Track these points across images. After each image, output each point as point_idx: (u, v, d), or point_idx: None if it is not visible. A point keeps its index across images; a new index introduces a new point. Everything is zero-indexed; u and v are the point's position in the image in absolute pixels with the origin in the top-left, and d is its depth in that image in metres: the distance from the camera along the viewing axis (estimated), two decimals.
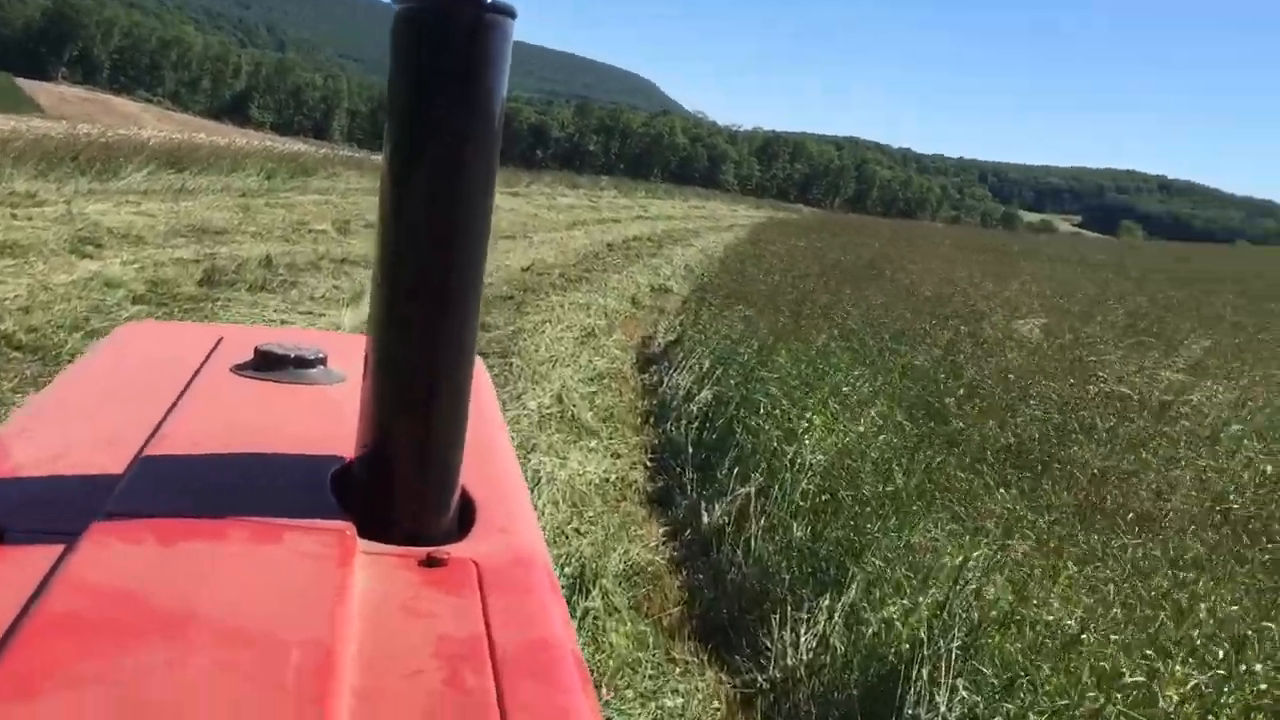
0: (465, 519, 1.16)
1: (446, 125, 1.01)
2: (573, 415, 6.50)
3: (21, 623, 0.83)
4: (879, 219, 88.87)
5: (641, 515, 5.35)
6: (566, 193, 36.50)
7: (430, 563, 1.04)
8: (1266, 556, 4.46)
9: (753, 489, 4.98)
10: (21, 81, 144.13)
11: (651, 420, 6.96)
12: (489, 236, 1.07)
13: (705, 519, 5.04)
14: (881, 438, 5.56)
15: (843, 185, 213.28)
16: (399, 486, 1.11)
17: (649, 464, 6.14)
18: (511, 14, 1.01)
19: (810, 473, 4.97)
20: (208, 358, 1.64)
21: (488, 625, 0.96)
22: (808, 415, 5.71)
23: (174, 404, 1.40)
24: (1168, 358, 9.80)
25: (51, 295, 8.28)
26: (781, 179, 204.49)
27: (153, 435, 1.26)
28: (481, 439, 1.36)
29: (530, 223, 23.03)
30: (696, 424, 6.37)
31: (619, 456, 6.10)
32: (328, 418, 1.34)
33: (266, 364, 1.54)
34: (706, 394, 6.82)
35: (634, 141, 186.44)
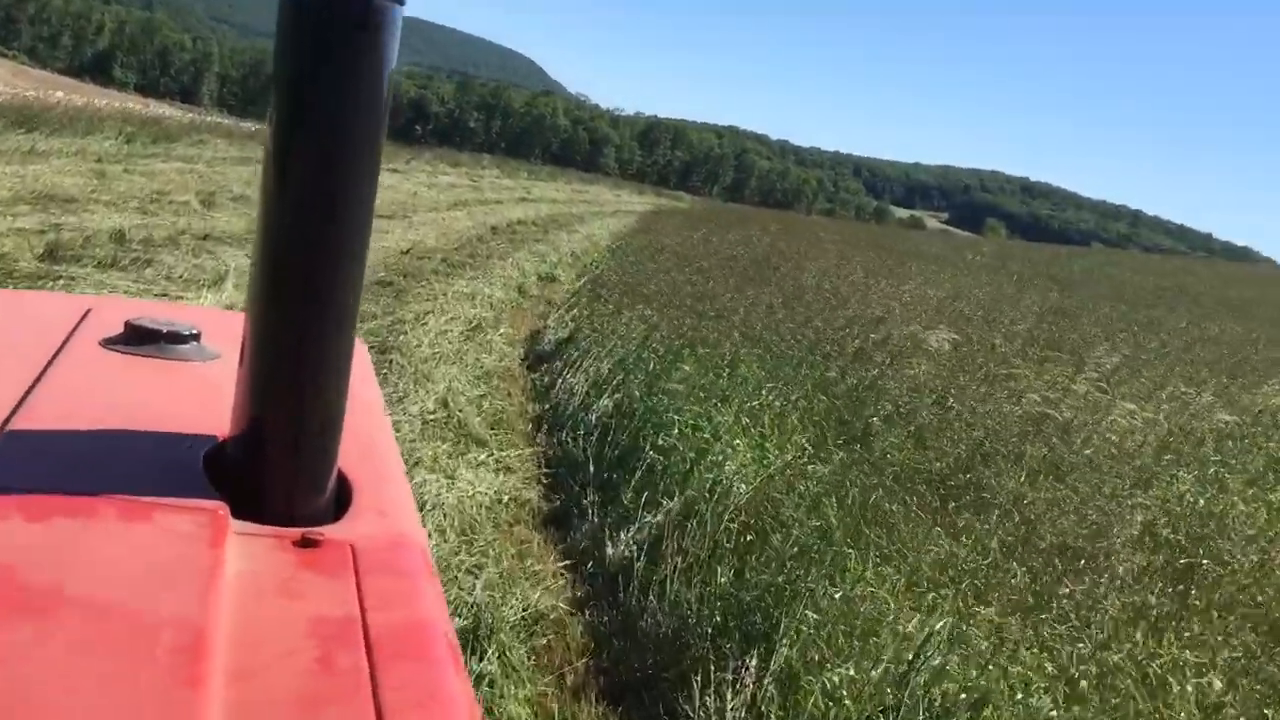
0: (342, 501, 1.14)
1: (332, 110, 0.98)
2: (460, 422, 5.90)
3: None
4: (763, 210, 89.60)
5: (538, 542, 4.79)
6: (448, 170, 35.44)
7: (305, 544, 1.04)
8: (1234, 615, 4.17)
9: (665, 518, 4.48)
10: None
11: (544, 428, 6.37)
12: (372, 218, 1.06)
13: (610, 549, 4.52)
14: (808, 465, 5.12)
15: (722, 173, 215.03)
16: (273, 467, 1.09)
17: (544, 480, 5.58)
18: (400, 1, 1.00)
19: (732, 504, 4.49)
20: (74, 330, 1.56)
21: (362, 607, 0.95)
22: (724, 435, 5.24)
23: (38, 377, 1.34)
24: (1080, 371, 9.68)
25: None
26: (662, 165, 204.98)
27: (16, 409, 1.22)
28: (359, 421, 1.30)
29: (410, 202, 22.09)
30: (596, 436, 5.81)
31: (511, 471, 5.51)
32: (201, 396, 1.31)
33: (138, 338, 1.49)
34: (606, 402, 6.26)
35: (515, 121, 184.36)
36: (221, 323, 1.59)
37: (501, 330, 8.90)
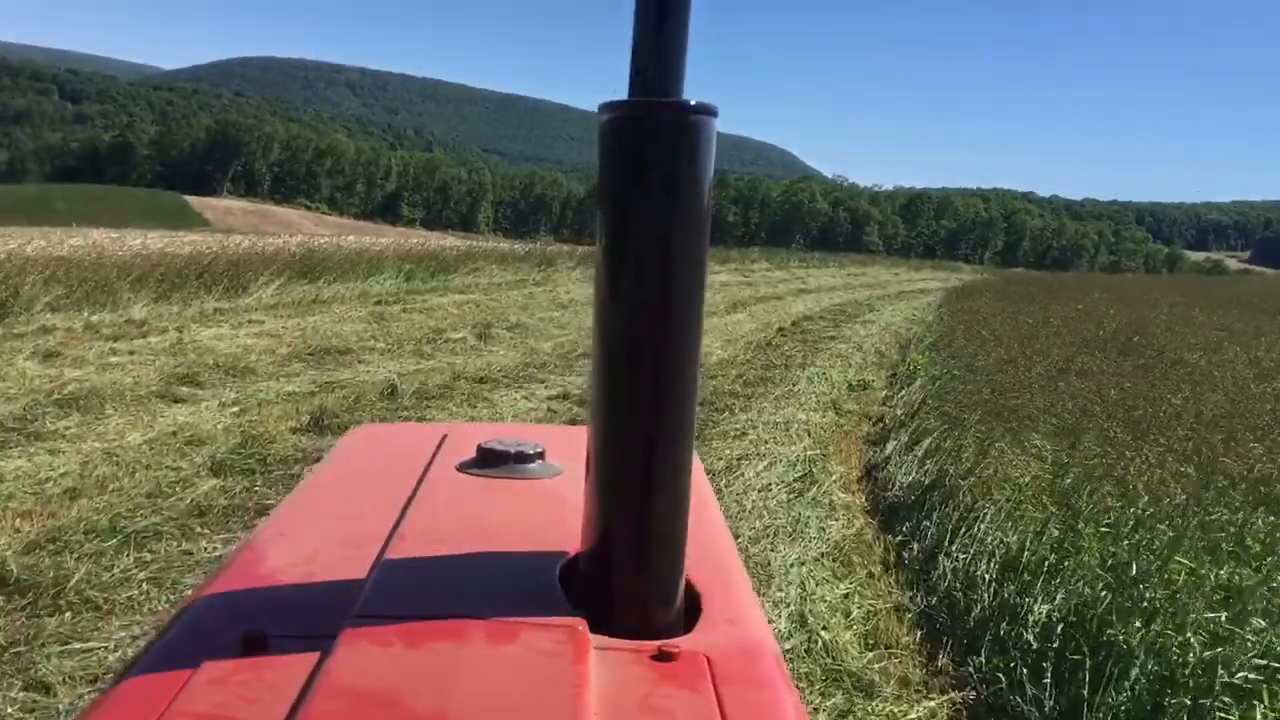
0: (692, 611, 1.16)
1: (656, 223, 1.03)
2: (828, 649, 4.08)
3: None
4: (1055, 274, 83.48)
5: None
6: (717, 268, 34.38)
7: (662, 657, 1.04)
8: None
9: None
10: (191, 199, 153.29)
11: (947, 646, 4.32)
12: (702, 326, 1.08)
13: None
14: None
15: (992, 238, 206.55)
16: (625, 580, 1.10)
17: None
18: (713, 113, 1.03)
19: None
20: (434, 457, 1.71)
21: (724, 718, 0.95)
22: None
23: (407, 504, 1.47)
24: None
25: (112, 468, 6.41)
26: (928, 236, 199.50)
27: (391, 536, 1.33)
28: (700, 529, 1.31)
29: None
30: (1048, 665, 3.72)
31: None
32: (550, 512, 1.40)
33: (488, 460, 1.60)
34: (1042, 607, 4.08)
35: (774, 209, 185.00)
36: (564, 439, 1.62)
37: (834, 473, 7.08)
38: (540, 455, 1.61)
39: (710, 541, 1.42)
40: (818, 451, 7.59)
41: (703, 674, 1.02)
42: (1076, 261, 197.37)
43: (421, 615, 1.08)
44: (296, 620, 1.11)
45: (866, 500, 6.74)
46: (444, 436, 1.84)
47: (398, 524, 1.37)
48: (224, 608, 1.18)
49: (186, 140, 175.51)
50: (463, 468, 1.61)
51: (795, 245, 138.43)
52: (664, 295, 1.03)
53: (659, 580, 1.10)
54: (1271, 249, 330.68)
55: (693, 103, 1.03)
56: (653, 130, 1.03)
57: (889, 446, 7.69)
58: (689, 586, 1.16)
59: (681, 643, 1.07)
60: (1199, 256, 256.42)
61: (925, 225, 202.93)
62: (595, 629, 1.07)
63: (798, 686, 3.75)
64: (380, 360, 11.54)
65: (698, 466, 1.75)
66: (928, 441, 7.07)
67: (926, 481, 6.35)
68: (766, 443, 7.76)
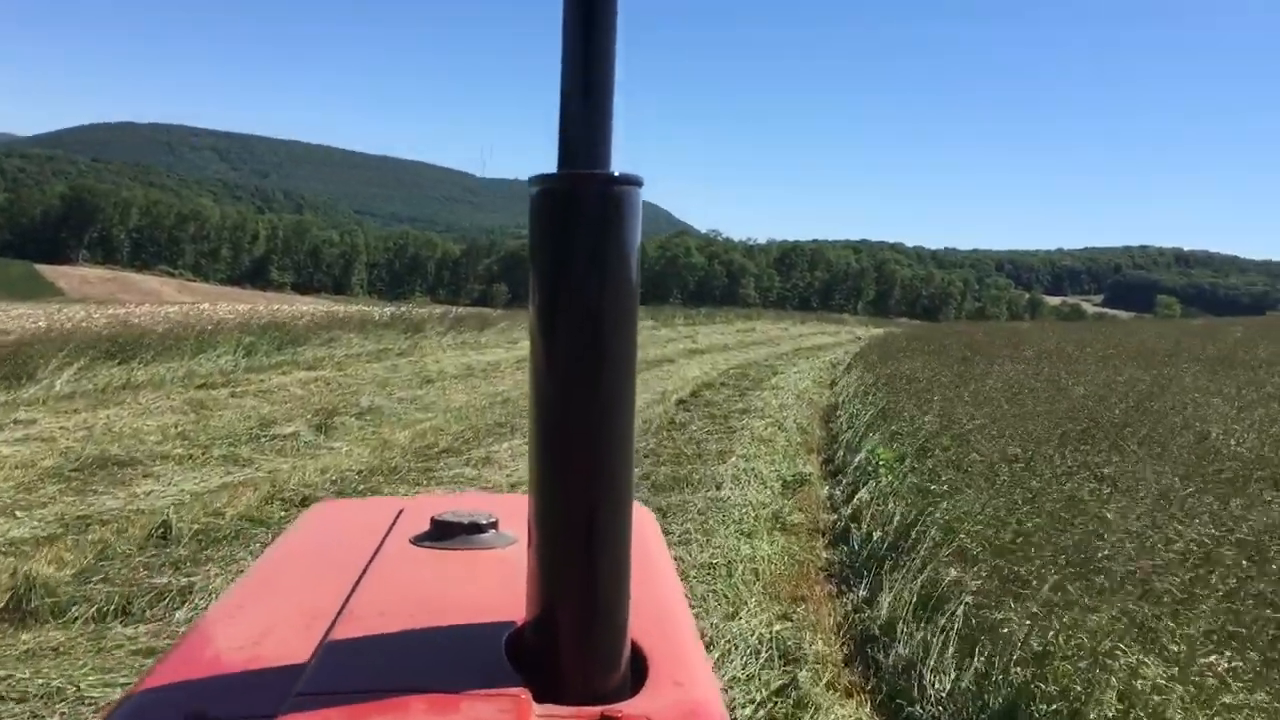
0: (638, 674, 1.16)
1: (585, 293, 1.04)
2: None
3: None
4: (949, 325, 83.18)
5: None
6: None
7: None
8: None
9: None
10: (42, 268, 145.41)
11: None
12: (634, 394, 1.09)
13: None
14: None
15: (864, 288, 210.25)
16: (568, 646, 1.11)
17: None
18: (638, 183, 1.06)
19: None
20: (389, 531, 1.72)
21: None
22: None
23: (358, 580, 1.46)
24: None
25: None
26: (803, 287, 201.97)
27: (340, 613, 1.32)
28: (650, 588, 1.36)
29: None
30: None
31: None
32: (500, 582, 1.39)
33: (442, 533, 1.61)
34: None
35: (650, 265, 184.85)
36: (520, 508, 1.43)
37: (811, 662, 4.64)
38: (494, 525, 1.63)
39: (659, 602, 1.42)
40: (784, 624, 5.14)
41: None
42: (944, 309, 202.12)
43: (364, 691, 1.08)
44: (240, 701, 1.10)
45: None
46: (400, 510, 1.87)
47: (347, 600, 1.38)
48: (167, 692, 1.17)
49: (38, 207, 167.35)
50: (416, 541, 1.62)
51: (674, 300, 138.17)
52: (596, 364, 1.05)
53: (602, 645, 1.10)
54: (1122, 292, 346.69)
55: (618, 174, 1.05)
56: (579, 202, 1.05)
57: (881, 604, 5.33)
58: (635, 649, 1.18)
59: (625, 707, 1.08)
60: (1056, 301, 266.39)
61: (800, 277, 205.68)
62: (541, 697, 1.07)
63: None
64: (176, 473, 8.78)
65: (652, 523, 1.98)
66: (958, 610, 4.66)
67: (997, 703, 3.88)
68: (702, 612, 5.31)
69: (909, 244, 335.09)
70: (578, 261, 1.04)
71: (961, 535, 5.63)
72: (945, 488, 6.79)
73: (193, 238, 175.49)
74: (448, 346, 24.31)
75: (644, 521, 1.72)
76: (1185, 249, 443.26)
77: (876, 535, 6.45)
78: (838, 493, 8.71)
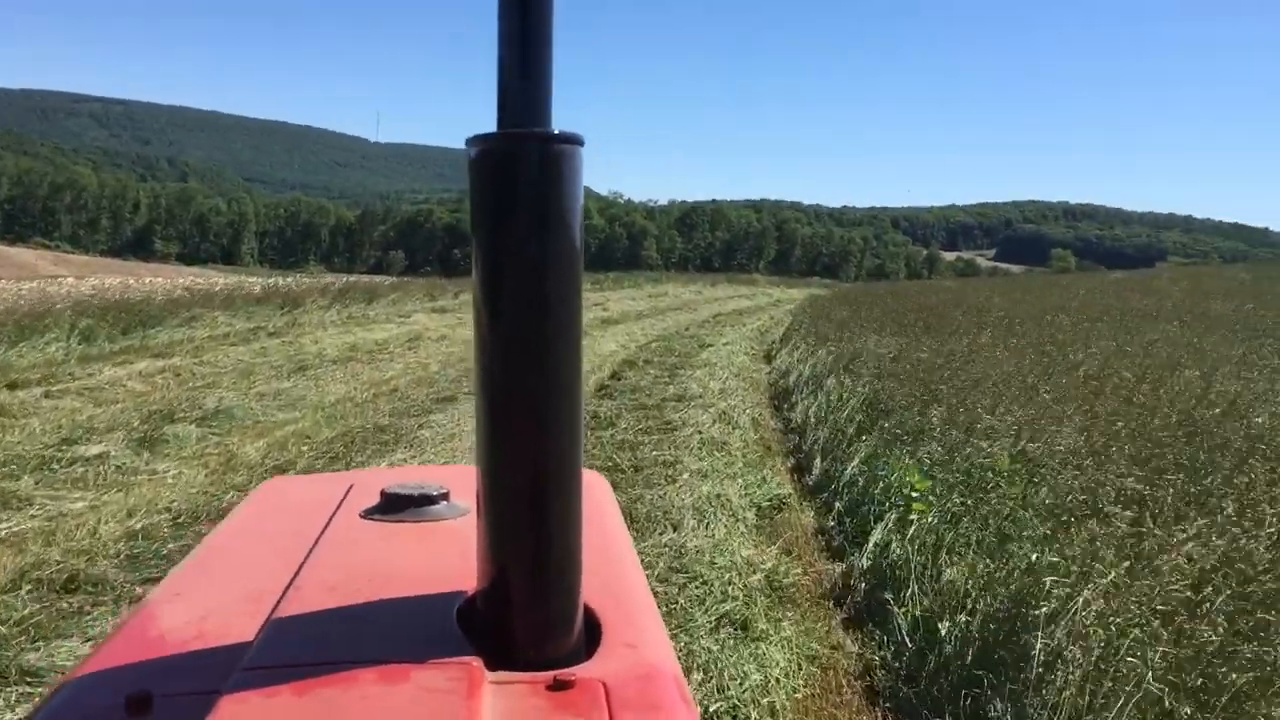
0: (591, 638, 1.15)
1: (528, 255, 1.02)
2: None
3: None
4: (877, 284, 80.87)
5: None
6: None
7: (558, 686, 1.04)
8: None
9: None
10: None
11: None
12: (581, 356, 1.07)
13: None
14: None
15: (765, 247, 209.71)
16: (519, 613, 1.09)
17: None
18: (579, 142, 1.03)
19: None
20: (339, 506, 1.69)
21: None
22: None
23: (307, 555, 1.43)
24: None
25: None
26: (704, 248, 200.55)
27: (288, 588, 1.30)
28: (603, 553, 1.35)
29: (468, 359, 16.12)
30: None
31: None
32: (451, 553, 1.36)
33: (392, 506, 1.59)
34: None
35: None
36: (471, 478, 1.37)
37: None
38: (444, 497, 1.59)
39: (613, 565, 1.39)
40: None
41: (599, 701, 1.01)
42: (845, 266, 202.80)
43: (313, 664, 1.04)
44: (185, 679, 1.07)
45: None
46: (350, 486, 1.81)
47: (295, 576, 1.33)
48: (108, 675, 1.13)
49: None
50: (366, 514, 1.58)
51: None
52: (541, 326, 1.03)
53: (554, 611, 1.08)
54: (1014, 246, 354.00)
55: (559, 132, 1.02)
56: (520, 162, 1.02)
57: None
58: (589, 613, 1.16)
59: (579, 671, 1.06)
60: (951, 256, 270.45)
61: (701, 237, 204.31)
62: (494, 664, 1.05)
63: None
64: None
65: (603, 486, 1.93)
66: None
67: None
68: None
69: (807, 203, 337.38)
70: (520, 223, 1.01)
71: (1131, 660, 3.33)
72: (1041, 555, 4.48)
73: (69, 208, 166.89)
74: (330, 323, 21.51)
75: (595, 486, 1.70)
76: (1072, 203, 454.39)
77: (939, 628, 4.18)
78: (830, 524, 6.48)
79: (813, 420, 9.07)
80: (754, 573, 5.24)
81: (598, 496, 1.69)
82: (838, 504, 6.69)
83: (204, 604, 1.31)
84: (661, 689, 1.05)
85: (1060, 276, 54.18)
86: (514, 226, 1.01)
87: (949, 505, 5.31)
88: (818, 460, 7.93)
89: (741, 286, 48.97)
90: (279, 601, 1.24)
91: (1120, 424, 6.78)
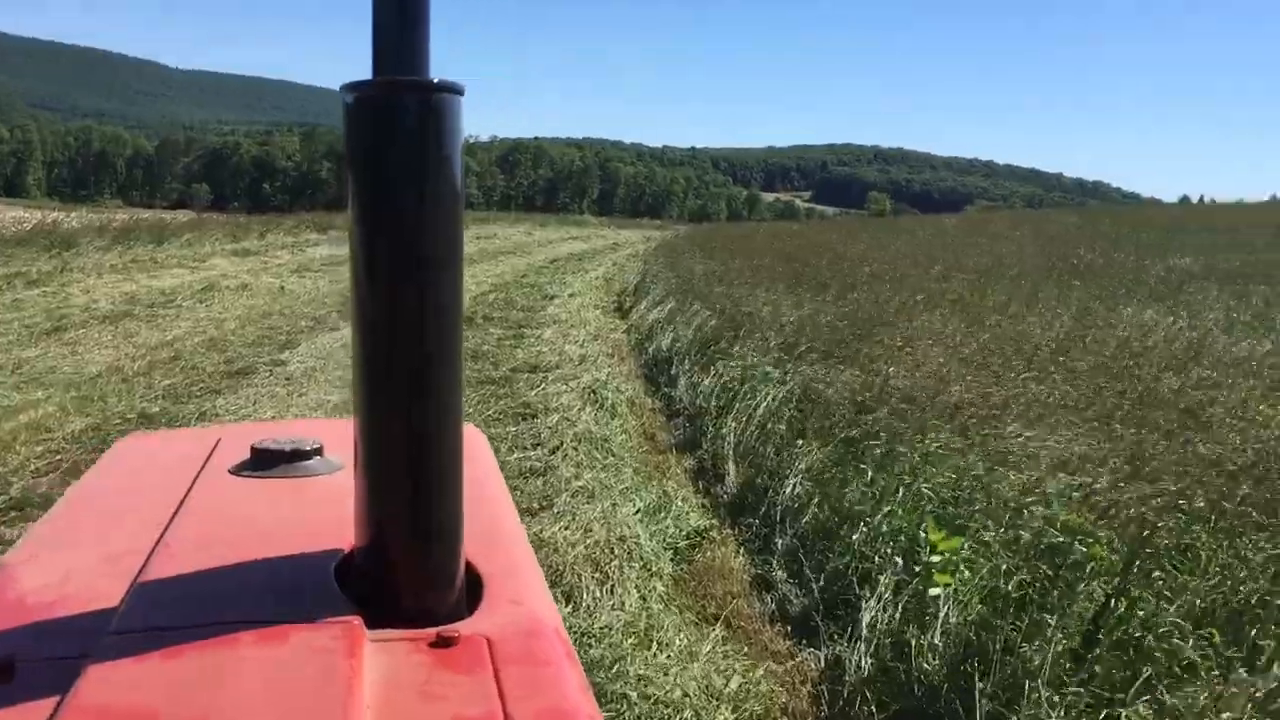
0: (473, 594, 1.11)
1: (406, 206, 0.98)
2: None
3: None
4: (735, 224, 78.87)
5: None
6: (316, 239, 26.72)
7: (440, 643, 1.01)
8: None
9: None
10: None
11: None
12: (462, 307, 1.03)
13: None
14: None
15: (588, 187, 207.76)
16: (400, 569, 1.06)
17: None
18: (459, 91, 0.99)
19: None
20: (205, 463, 1.61)
21: (503, 700, 0.92)
22: None
23: (174, 514, 1.36)
24: None
25: None
26: (527, 186, 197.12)
27: (155, 549, 1.23)
28: (483, 509, 1.31)
29: (277, 308, 13.62)
30: None
31: None
32: (327, 509, 1.30)
33: (263, 462, 1.50)
34: None
35: None
36: (346, 432, 1.30)
37: None
38: (318, 451, 1.50)
39: (493, 520, 1.36)
40: None
41: (482, 657, 0.99)
42: (668, 206, 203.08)
43: (185, 627, 1.00)
44: (47, 644, 1.02)
45: None
46: (218, 440, 1.71)
47: (162, 536, 1.27)
48: None
49: None
50: (236, 471, 1.50)
51: None
52: (419, 277, 0.98)
53: (435, 567, 1.05)
54: (828, 189, 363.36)
55: (438, 81, 0.98)
56: (397, 111, 0.97)
57: None
58: (470, 569, 1.12)
59: (461, 627, 1.03)
60: (771, 197, 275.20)
61: (524, 175, 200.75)
62: (375, 623, 1.01)
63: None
64: None
65: (481, 441, 1.83)
66: None
67: None
68: None
69: (628, 141, 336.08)
70: (397, 173, 0.97)
71: None
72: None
73: None
74: (110, 267, 18.34)
75: (473, 440, 1.59)
76: (883, 146, 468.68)
77: None
78: (777, 573, 4.68)
79: (712, 407, 7.23)
80: (718, 709, 3.35)
81: (475, 451, 1.54)
82: (779, 541, 4.89)
83: (64, 565, 1.22)
84: (545, 643, 1.03)
85: (896, 220, 53.96)
86: (392, 177, 0.97)
87: (997, 582, 3.54)
88: (730, 465, 6.12)
89: (572, 228, 46.80)
90: (146, 562, 1.17)
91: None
